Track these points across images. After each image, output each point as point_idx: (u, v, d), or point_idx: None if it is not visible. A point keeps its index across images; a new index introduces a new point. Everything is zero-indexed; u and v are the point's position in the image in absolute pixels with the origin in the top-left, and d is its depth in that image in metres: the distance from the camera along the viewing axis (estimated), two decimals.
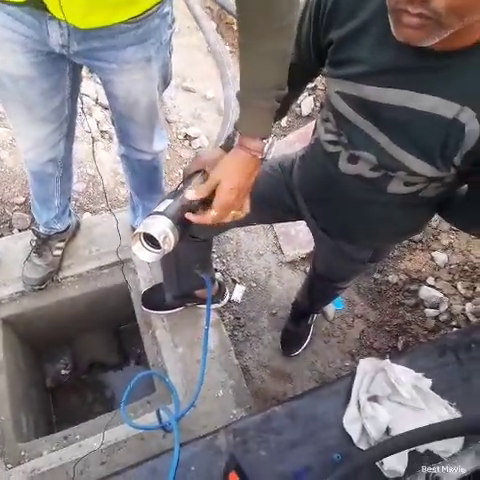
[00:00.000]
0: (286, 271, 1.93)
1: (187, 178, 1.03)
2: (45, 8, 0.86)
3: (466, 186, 0.89)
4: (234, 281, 1.89)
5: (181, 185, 0.98)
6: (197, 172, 1.03)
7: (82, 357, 1.96)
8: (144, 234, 0.86)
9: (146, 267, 1.61)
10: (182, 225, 0.89)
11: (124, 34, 0.93)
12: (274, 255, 1.97)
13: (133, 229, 1.65)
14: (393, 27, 0.67)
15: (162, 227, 0.85)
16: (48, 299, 1.58)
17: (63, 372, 1.98)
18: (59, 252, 1.56)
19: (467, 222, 0.97)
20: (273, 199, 1.14)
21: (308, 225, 1.19)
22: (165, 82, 1.17)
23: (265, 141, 0.83)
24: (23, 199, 1.89)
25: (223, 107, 2.34)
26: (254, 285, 1.90)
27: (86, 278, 1.60)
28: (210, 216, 0.84)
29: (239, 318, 1.84)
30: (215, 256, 1.90)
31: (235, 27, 2.65)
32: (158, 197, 1.55)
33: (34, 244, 1.54)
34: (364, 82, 0.78)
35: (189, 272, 1.24)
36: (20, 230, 1.84)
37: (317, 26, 0.84)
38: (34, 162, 1.29)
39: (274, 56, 0.76)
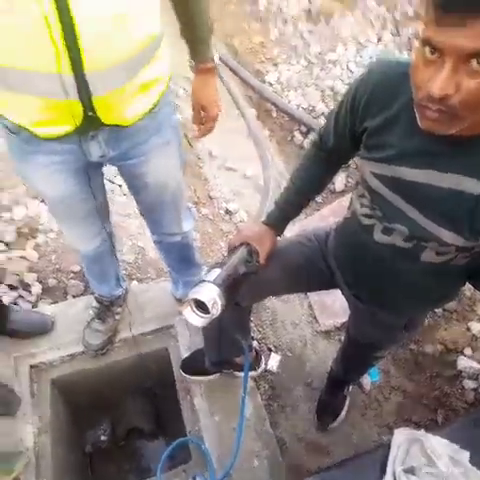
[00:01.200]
0: (321, 341, 1.96)
1: (231, 250, 1.14)
2: (92, 126, 0.97)
3: None
4: (270, 350, 1.94)
5: (226, 256, 1.09)
6: (241, 245, 1.15)
7: (121, 423, 2.00)
8: (194, 300, 0.96)
9: (187, 334, 1.69)
10: (228, 293, 0.99)
11: (145, 128, 1.07)
12: (309, 324, 2.01)
13: (175, 298, 1.76)
14: (418, 119, 0.77)
15: (211, 294, 0.95)
16: (95, 362, 1.68)
17: (102, 438, 2.02)
18: (118, 317, 1.69)
19: None
20: (308, 267, 1.22)
21: (342, 293, 1.25)
22: (183, 161, 1.30)
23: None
24: (79, 268, 2.05)
25: (261, 184, 2.52)
26: (289, 354, 1.94)
27: (130, 343, 1.70)
28: None
29: (274, 388, 1.86)
30: (252, 324, 1.96)
31: (273, 114, 2.90)
32: (194, 270, 1.68)
33: (96, 310, 1.67)
34: (395, 164, 0.89)
35: (230, 338, 1.31)
36: (74, 296, 1.98)
37: (353, 117, 0.95)
38: (86, 250, 1.43)
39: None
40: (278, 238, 1.23)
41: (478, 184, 0.80)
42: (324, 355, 1.91)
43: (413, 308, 1.15)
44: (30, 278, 2.04)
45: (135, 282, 2.00)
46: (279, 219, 1.22)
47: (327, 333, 1.98)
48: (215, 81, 1.27)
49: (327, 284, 1.27)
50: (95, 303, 1.67)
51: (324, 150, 1.12)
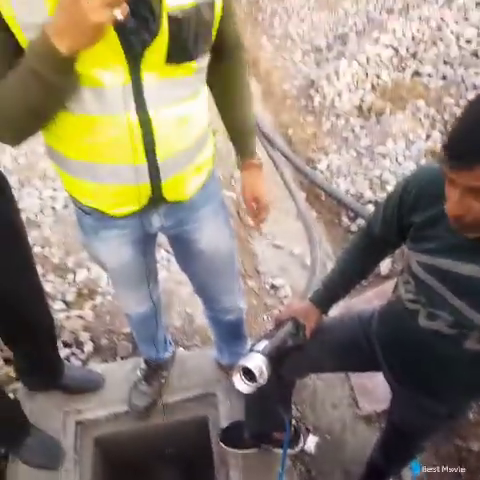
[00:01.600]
0: (361, 425, 1.93)
1: (279, 324, 1.23)
2: (155, 204, 1.11)
3: None
4: (308, 430, 1.92)
5: (274, 329, 1.18)
6: (288, 319, 1.23)
7: None
8: (243, 368, 1.04)
9: (228, 403, 1.73)
10: (274, 363, 1.07)
11: (198, 200, 1.20)
12: (350, 408, 1.99)
13: (219, 365, 1.83)
14: (450, 223, 0.88)
15: (259, 363, 1.03)
16: (137, 424, 1.73)
17: None
18: (164, 380, 1.75)
19: None
20: (351, 347, 1.27)
21: (384, 375, 1.28)
22: (232, 234, 1.41)
23: None
24: (129, 330, 2.17)
25: (307, 263, 2.62)
26: (328, 437, 1.91)
27: (172, 408, 1.75)
28: None
29: (310, 471, 1.82)
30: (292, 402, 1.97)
31: (322, 198, 3.06)
32: (241, 342, 1.74)
33: (143, 372, 1.74)
34: (440, 256, 0.97)
35: (271, 411, 1.35)
36: (122, 357, 2.09)
37: (402, 210, 1.05)
38: (134, 313, 1.54)
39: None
40: (323, 316, 1.31)
41: None
42: (363, 441, 1.87)
43: (456, 396, 1.16)
44: (84, 337, 2.17)
45: (181, 348, 2.08)
46: (325, 299, 1.29)
47: (367, 418, 1.95)
48: (262, 174, 1.37)
49: (369, 366, 1.30)
50: (143, 365, 1.76)
51: (371, 237, 1.20)
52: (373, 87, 3.73)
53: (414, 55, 3.82)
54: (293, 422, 1.84)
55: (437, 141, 3.16)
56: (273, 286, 2.54)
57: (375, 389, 2.00)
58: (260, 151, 3.46)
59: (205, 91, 1.10)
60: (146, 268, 1.34)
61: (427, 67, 3.69)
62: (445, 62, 3.68)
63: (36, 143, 3.23)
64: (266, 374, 1.02)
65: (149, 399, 1.71)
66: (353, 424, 1.94)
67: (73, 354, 2.11)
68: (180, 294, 2.32)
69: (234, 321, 1.60)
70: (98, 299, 2.33)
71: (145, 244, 1.27)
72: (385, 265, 2.52)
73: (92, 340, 2.17)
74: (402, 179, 1.08)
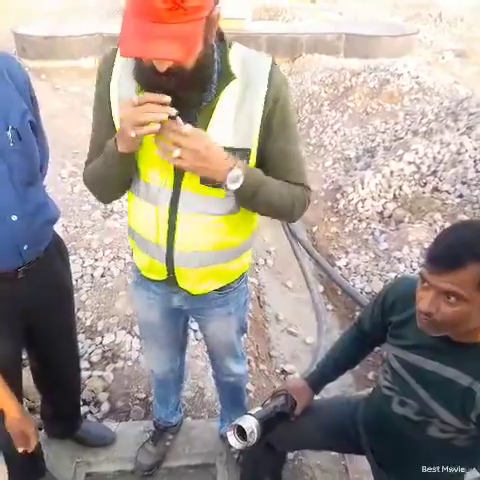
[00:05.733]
0: None
1: (274, 396, 1.42)
2: (174, 284, 1.33)
3: None
4: None
5: (269, 399, 1.37)
6: (282, 393, 1.42)
7: None
8: (237, 426, 1.23)
9: (226, 474, 1.83)
10: (264, 427, 1.26)
11: (215, 300, 1.40)
12: None
13: (222, 438, 1.96)
14: (417, 321, 1.08)
15: (251, 424, 1.22)
16: None
17: None
18: (169, 443, 1.89)
19: None
20: (337, 428, 1.42)
21: (367, 458, 1.41)
22: (242, 329, 1.60)
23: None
24: (144, 396, 2.33)
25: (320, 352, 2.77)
26: None
27: (174, 472, 1.86)
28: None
29: None
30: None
31: (338, 292, 3.27)
32: (242, 413, 1.88)
33: (151, 434, 1.90)
34: (410, 351, 1.18)
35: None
36: (134, 420, 2.23)
37: (383, 312, 1.28)
38: (158, 372, 1.74)
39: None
40: (316, 397, 1.47)
41: (467, 378, 1.06)
42: None
43: (424, 478, 1.28)
44: (103, 396, 2.34)
45: (189, 418, 2.22)
46: (317, 379, 1.47)
47: None
48: None
49: (353, 448, 1.44)
50: (152, 426, 1.92)
51: (362, 331, 1.42)
52: (395, 197, 4.06)
53: (434, 173, 4.17)
54: None
55: None
56: (283, 371, 2.67)
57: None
58: (285, 244, 3.78)
59: (247, 214, 1.25)
60: (173, 333, 1.58)
61: (446, 185, 4.02)
62: (463, 182, 4.01)
63: (83, 217, 3.66)
64: (256, 435, 1.21)
65: (154, 459, 1.83)
66: None
67: (90, 412, 2.27)
68: (195, 368, 2.49)
69: (233, 386, 1.77)
70: (120, 363, 2.52)
71: (172, 313, 1.51)
72: None
73: (109, 400, 2.33)
74: (385, 285, 1.32)
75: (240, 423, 1.22)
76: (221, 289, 1.39)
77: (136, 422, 2.13)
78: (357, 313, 3.08)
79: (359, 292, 3.14)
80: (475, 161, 4.09)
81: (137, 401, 2.34)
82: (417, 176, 4.20)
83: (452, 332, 1.05)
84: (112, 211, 3.80)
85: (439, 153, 4.26)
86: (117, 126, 1.14)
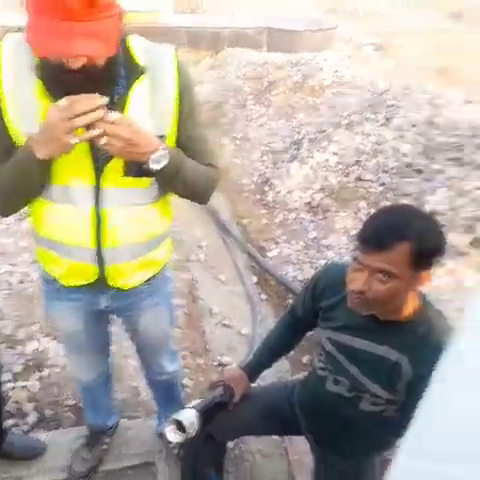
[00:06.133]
0: None
1: (212, 387, 1.40)
2: (102, 284, 1.28)
3: None
4: None
5: (207, 390, 1.35)
6: (220, 383, 1.41)
7: None
8: (175, 420, 1.20)
9: (166, 471, 1.78)
10: (204, 418, 1.23)
11: (141, 292, 1.38)
12: None
13: (160, 435, 1.90)
14: (348, 301, 1.13)
15: (189, 416, 1.19)
16: None
17: None
18: (105, 447, 1.81)
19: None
20: (275, 412, 1.44)
21: (306, 438, 1.43)
22: (172, 320, 1.59)
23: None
24: (74, 402, 2.21)
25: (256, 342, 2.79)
26: None
27: (112, 474, 1.78)
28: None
29: None
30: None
31: (272, 282, 3.30)
32: (177, 406, 1.85)
33: (85, 439, 1.80)
34: (341, 332, 1.22)
35: (203, 472, 1.45)
36: (64, 428, 2.10)
37: (313, 298, 1.32)
38: (84, 378, 1.67)
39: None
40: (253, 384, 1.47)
41: (395, 353, 1.11)
42: None
43: (358, 452, 1.33)
44: (28, 407, 2.19)
45: (125, 419, 2.13)
46: (253, 367, 1.49)
47: None
48: None
49: (291, 429, 1.47)
50: (86, 431, 1.82)
51: (295, 318, 1.45)
52: (321, 187, 4.18)
53: (358, 163, 4.35)
54: None
55: None
56: (221, 364, 2.65)
57: (311, 465, 2.09)
58: (216, 238, 3.76)
59: (169, 199, 1.31)
60: (97, 338, 1.52)
61: (369, 174, 4.20)
62: (384, 171, 4.21)
63: None
64: (196, 426, 1.17)
65: (89, 465, 1.74)
66: None
67: (16, 425, 2.11)
68: (127, 368, 2.40)
69: (167, 384, 1.74)
70: (45, 371, 2.38)
71: (96, 317, 1.44)
72: None
73: (36, 410, 2.19)
74: (315, 273, 1.34)
75: (178, 417, 1.18)
76: (148, 280, 1.37)
77: (67, 430, 2.01)
78: (290, 302, 3.13)
79: (291, 281, 3.20)
80: (394, 151, 4.31)
81: (67, 408, 2.21)
82: (341, 166, 4.35)
83: (381, 310, 1.10)
84: (26, 213, 3.57)
85: (361, 144, 4.44)
86: (16, 130, 1.08)
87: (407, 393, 1.10)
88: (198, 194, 1.30)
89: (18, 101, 1.05)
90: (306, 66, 6.12)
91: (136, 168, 1.11)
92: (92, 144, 1.06)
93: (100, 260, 1.23)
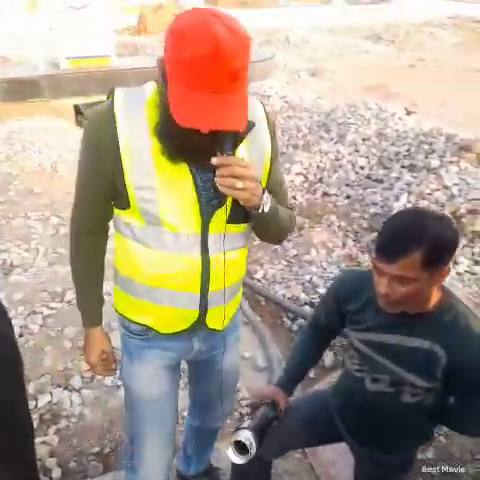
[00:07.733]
0: None
1: (255, 407, 1.46)
2: (197, 328, 1.28)
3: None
4: None
5: (252, 412, 1.41)
6: (262, 403, 1.46)
7: None
8: (236, 442, 1.25)
9: None
10: (260, 437, 1.29)
11: (228, 328, 1.38)
12: None
13: (179, 474, 1.93)
14: (379, 302, 1.24)
15: (248, 436, 1.25)
16: None
17: None
18: None
19: (459, 426, 1.36)
20: (316, 421, 1.50)
21: (346, 441, 1.51)
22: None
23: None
24: (98, 449, 2.19)
25: (259, 364, 2.84)
26: None
27: None
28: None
29: None
30: None
31: (263, 303, 3.40)
32: (210, 450, 1.86)
33: None
34: (372, 332, 1.31)
35: None
36: (92, 477, 2.08)
37: (338, 304, 1.41)
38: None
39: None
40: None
41: (426, 343, 1.22)
42: None
43: (402, 446, 1.41)
44: (51, 463, 2.15)
45: None
46: (286, 384, 1.53)
47: None
48: None
49: (332, 435, 1.53)
50: (120, 477, 1.79)
51: (318, 327, 1.53)
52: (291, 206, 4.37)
53: (321, 180, 4.59)
54: None
55: (351, 247, 3.73)
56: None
57: (338, 475, 2.16)
58: None
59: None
60: (174, 406, 1.44)
61: (333, 189, 4.44)
62: (346, 184, 4.46)
63: None
64: (255, 446, 1.23)
65: None
66: None
67: None
68: None
69: (214, 430, 1.74)
70: (62, 422, 2.34)
71: (176, 372, 1.42)
72: (329, 358, 2.83)
73: (59, 465, 2.15)
74: (333, 281, 1.47)
75: (239, 438, 1.23)
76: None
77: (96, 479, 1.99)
78: (285, 320, 3.23)
79: (282, 299, 3.31)
80: (352, 165, 4.59)
81: (92, 456, 2.19)
82: (306, 185, 4.58)
83: (408, 306, 1.21)
84: (12, 265, 3.52)
85: (321, 162, 4.70)
86: (129, 182, 1.13)
87: (446, 378, 1.21)
88: (284, 235, 1.36)
89: (133, 153, 1.10)
90: (255, 95, 6.41)
91: (242, 213, 1.18)
92: (199, 195, 1.13)
93: (204, 304, 1.26)
